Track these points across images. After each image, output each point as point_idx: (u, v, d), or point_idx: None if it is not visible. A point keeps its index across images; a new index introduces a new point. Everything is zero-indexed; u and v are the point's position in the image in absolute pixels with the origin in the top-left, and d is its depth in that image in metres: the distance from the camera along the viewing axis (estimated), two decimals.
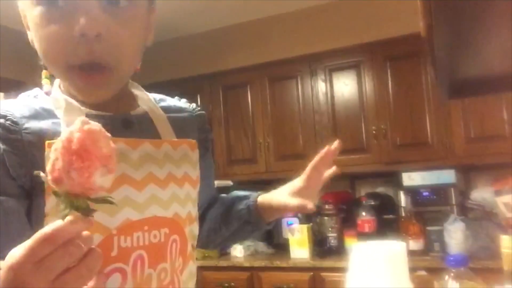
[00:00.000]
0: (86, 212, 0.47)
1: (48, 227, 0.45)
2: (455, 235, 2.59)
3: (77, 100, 0.71)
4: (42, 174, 0.49)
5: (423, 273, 1.21)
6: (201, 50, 3.69)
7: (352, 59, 3.13)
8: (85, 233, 0.47)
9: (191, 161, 0.79)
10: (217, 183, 0.95)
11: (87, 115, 0.68)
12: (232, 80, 3.48)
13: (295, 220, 3.21)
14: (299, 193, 0.90)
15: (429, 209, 2.87)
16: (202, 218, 0.91)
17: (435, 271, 1.12)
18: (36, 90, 0.76)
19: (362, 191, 3.34)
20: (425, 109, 2.89)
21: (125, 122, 0.74)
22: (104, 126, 0.66)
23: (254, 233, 0.96)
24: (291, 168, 3.31)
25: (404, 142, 2.95)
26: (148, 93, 0.84)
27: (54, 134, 0.56)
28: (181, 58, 3.74)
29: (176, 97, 0.91)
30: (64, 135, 0.47)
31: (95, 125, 0.49)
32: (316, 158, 0.94)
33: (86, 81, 0.64)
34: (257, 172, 3.36)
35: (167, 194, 0.72)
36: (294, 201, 0.87)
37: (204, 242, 0.93)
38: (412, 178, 2.85)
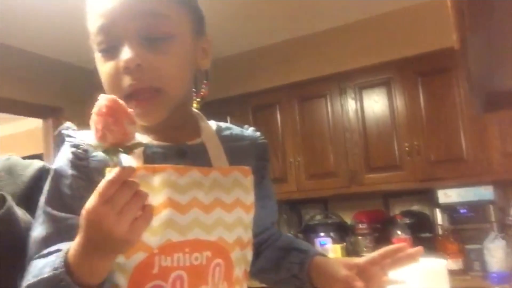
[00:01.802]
0: (129, 152, 0.62)
1: (109, 175, 0.57)
2: (495, 253, 2.50)
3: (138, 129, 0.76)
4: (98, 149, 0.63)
5: None
6: (230, 73, 3.74)
7: (382, 76, 3.11)
8: (131, 179, 0.58)
9: (243, 187, 0.82)
10: None
11: (148, 145, 0.77)
12: (261, 101, 3.51)
13: (329, 240, 3.16)
14: (354, 268, 0.85)
15: (467, 227, 2.78)
16: (258, 253, 0.93)
17: None
18: None
19: (397, 209, 3.27)
20: (459, 124, 2.84)
21: (179, 152, 0.79)
22: (160, 154, 0.77)
23: None
24: (322, 187, 3.29)
25: (439, 159, 2.89)
26: (214, 123, 0.90)
27: (114, 164, 0.63)
28: (211, 81, 3.80)
29: (246, 126, 0.96)
30: (94, 110, 0.60)
31: (110, 96, 0.61)
32: (390, 247, 0.85)
33: (139, 106, 0.72)
34: (288, 191, 3.35)
35: (211, 219, 0.76)
36: (345, 272, 0.84)
37: (255, 275, 0.95)
38: (448, 195, 2.78)
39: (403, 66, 3.03)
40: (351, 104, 3.20)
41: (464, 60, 0.62)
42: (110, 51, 0.74)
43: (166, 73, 0.74)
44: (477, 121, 2.75)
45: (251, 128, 0.96)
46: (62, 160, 0.76)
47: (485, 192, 2.68)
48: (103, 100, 0.60)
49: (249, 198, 0.82)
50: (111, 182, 0.56)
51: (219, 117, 0.94)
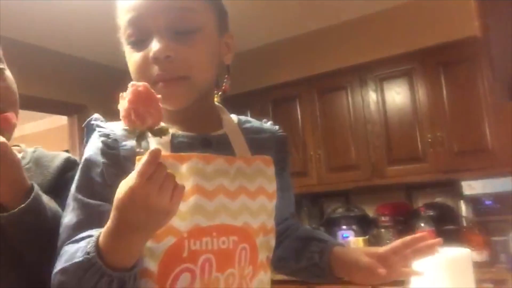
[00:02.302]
0: (163, 134, 0.67)
1: (145, 157, 0.60)
2: None
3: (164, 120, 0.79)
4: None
5: (489, 286, 1.16)
6: (249, 67, 3.75)
7: (403, 66, 3.07)
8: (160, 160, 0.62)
9: (266, 176, 0.84)
10: None
11: (173, 134, 0.80)
12: (281, 94, 3.51)
13: (351, 233, 3.16)
14: (375, 257, 0.86)
15: (492, 219, 2.73)
16: (278, 243, 0.93)
17: (502, 283, 1.07)
18: None
19: (420, 201, 3.24)
20: (483, 114, 2.78)
21: (204, 142, 0.82)
22: (186, 144, 0.80)
23: (320, 278, 0.95)
24: (343, 180, 3.28)
25: (462, 150, 2.85)
26: (235, 116, 0.93)
27: (144, 150, 0.66)
28: (231, 75, 3.82)
29: (264, 120, 0.99)
30: (128, 95, 0.63)
31: (142, 82, 0.64)
32: (411, 237, 0.86)
33: (165, 86, 0.76)
34: (309, 184, 3.35)
35: (236, 205, 0.79)
36: (367, 260, 0.85)
37: (274, 264, 0.96)
38: (472, 187, 2.74)
39: (425, 56, 2.99)
40: (372, 96, 3.17)
41: (486, 47, 0.61)
42: (140, 44, 0.78)
43: (193, 64, 0.78)
44: (502, 110, 2.68)
45: (269, 122, 0.99)
46: (92, 149, 0.79)
47: (510, 183, 2.63)
48: (137, 86, 0.63)
49: (272, 186, 0.85)
50: (150, 162, 0.60)
51: (239, 111, 0.96)
